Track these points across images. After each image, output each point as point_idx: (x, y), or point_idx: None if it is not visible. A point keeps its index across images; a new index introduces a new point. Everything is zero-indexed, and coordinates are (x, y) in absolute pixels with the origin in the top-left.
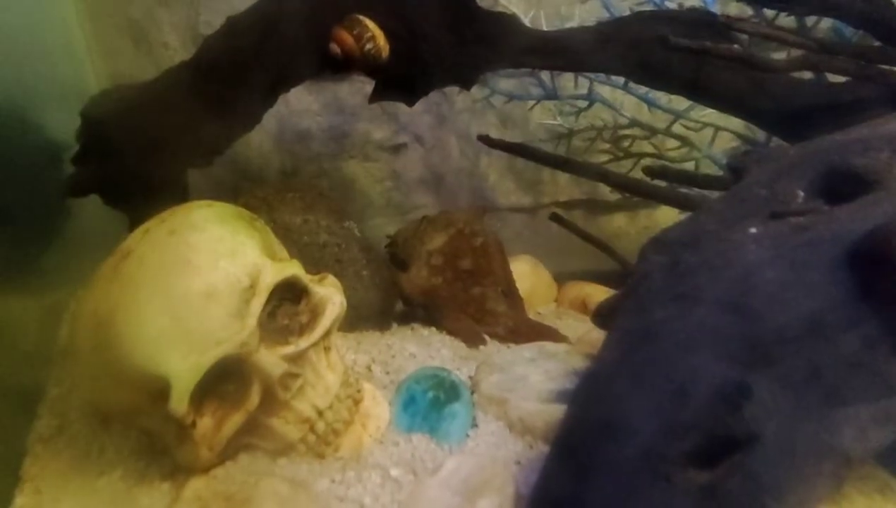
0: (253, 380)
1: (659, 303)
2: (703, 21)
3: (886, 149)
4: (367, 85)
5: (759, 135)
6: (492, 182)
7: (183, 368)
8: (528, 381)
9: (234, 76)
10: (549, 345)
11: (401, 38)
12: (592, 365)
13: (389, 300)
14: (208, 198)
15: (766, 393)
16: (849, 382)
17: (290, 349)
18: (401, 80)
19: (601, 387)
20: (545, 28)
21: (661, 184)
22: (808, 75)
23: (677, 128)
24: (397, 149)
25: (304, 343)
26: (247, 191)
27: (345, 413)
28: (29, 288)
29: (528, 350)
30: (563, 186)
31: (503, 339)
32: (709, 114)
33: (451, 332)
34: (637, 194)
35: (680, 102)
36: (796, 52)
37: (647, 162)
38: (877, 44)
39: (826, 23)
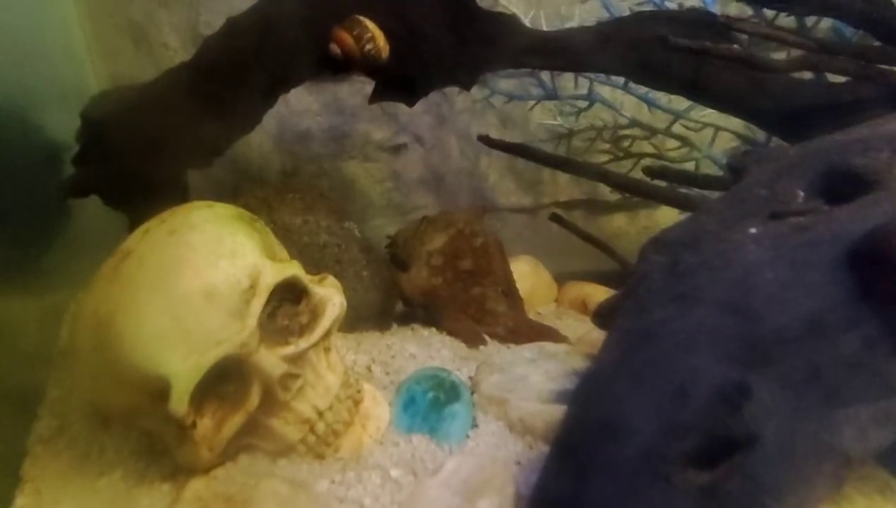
0: (253, 381)
1: (659, 304)
2: (702, 21)
3: (886, 149)
4: (367, 85)
5: (759, 135)
6: (492, 182)
7: (183, 369)
8: (529, 381)
9: (234, 77)
10: (550, 346)
11: (401, 38)
12: (592, 365)
13: (389, 300)
14: (208, 199)
15: (765, 394)
16: (849, 382)
17: (289, 349)
18: (401, 80)
19: (601, 388)
20: (545, 28)
21: (661, 184)
22: (808, 75)
23: (677, 129)
24: (397, 149)
25: (304, 343)
26: (247, 192)
27: (345, 413)
28: (29, 289)
29: (528, 350)
30: (563, 186)
31: (503, 339)
32: (709, 114)
33: (451, 333)
34: (637, 194)
35: (680, 102)
36: (796, 52)
37: (647, 162)
38: (877, 44)
39: (826, 23)
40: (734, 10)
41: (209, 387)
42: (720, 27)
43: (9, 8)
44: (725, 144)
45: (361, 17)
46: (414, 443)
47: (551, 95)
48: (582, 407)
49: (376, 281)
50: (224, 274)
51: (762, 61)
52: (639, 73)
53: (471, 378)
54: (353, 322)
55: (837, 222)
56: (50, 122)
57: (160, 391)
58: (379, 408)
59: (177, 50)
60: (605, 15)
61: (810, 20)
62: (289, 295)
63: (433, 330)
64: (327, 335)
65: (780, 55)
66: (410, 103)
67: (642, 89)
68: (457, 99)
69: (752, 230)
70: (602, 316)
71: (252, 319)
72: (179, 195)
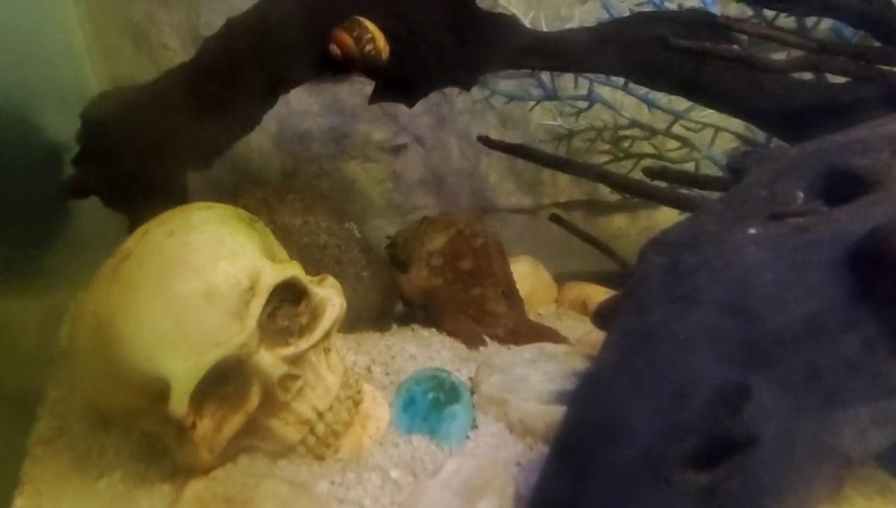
0: (253, 382)
1: (658, 304)
2: (702, 21)
3: (886, 149)
4: (367, 86)
5: (759, 135)
6: (492, 183)
7: (183, 369)
8: (529, 382)
9: (234, 77)
10: (550, 346)
11: (401, 39)
12: (592, 366)
13: (389, 301)
14: (208, 200)
15: (765, 395)
16: (848, 383)
17: (289, 350)
18: (401, 81)
19: (601, 388)
20: (545, 29)
21: (662, 184)
22: (808, 76)
23: (677, 129)
24: (397, 150)
25: (303, 344)
26: (247, 192)
27: (345, 414)
28: (29, 290)
29: (528, 351)
30: (564, 187)
31: (503, 340)
32: (709, 114)
33: (451, 333)
34: (637, 195)
35: (680, 103)
36: (796, 53)
37: (647, 162)
38: (877, 44)
39: (826, 23)
40: (734, 10)
41: (209, 388)
42: (720, 27)
43: (9, 8)
44: (725, 145)
45: (361, 18)
46: (414, 444)
47: (551, 96)
48: (582, 407)
49: (376, 282)
50: (224, 275)
51: (762, 62)
52: (639, 74)
53: (471, 378)
54: (353, 322)
55: (837, 223)
56: (50, 123)
57: (160, 392)
58: (379, 409)
59: (177, 51)
60: (604, 15)
61: (810, 20)
62: (289, 295)
63: (433, 330)
64: (327, 336)
65: (780, 55)
66: (410, 104)
67: (642, 90)
68: (457, 99)
69: (752, 231)
70: (602, 317)
71: (252, 320)
72: (179, 196)
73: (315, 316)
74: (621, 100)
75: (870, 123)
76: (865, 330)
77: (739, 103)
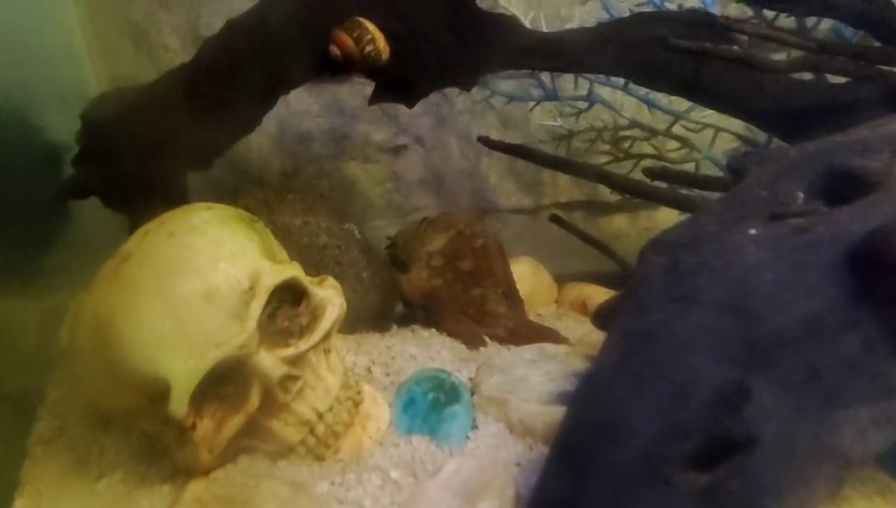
0: (253, 382)
1: (658, 305)
2: (702, 22)
3: (886, 150)
4: (367, 86)
5: (760, 136)
6: (492, 183)
7: (183, 370)
8: (529, 383)
9: (233, 78)
10: (550, 347)
11: (401, 39)
12: (592, 366)
13: (389, 302)
14: (208, 200)
15: (765, 395)
16: (848, 384)
17: (289, 351)
18: (401, 81)
19: (601, 389)
20: (545, 29)
21: (662, 185)
22: (808, 76)
23: (677, 130)
24: (397, 150)
25: (303, 345)
26: (247, 193)
27: (345, 415)
28: (29, 290)
29: (528, 351)
30: (564, 188)
31: (503, 341)
32: (709, 115)
33: (451, 334)
34: (637, 195)
35: (680, 103)
36: (796, 53)
37: (647, 163)
38: (877, 44)
39: (826, 23)
40: (734, 10)
41: (209, 389)
42: (720, 28)
43: (9, 8)
44: (726, 145)
45: (361, 19)
46: (414, 445)
47: (551, 96)
48: (582, 408)
49: (376, 283)
50: (224, 276)
51: (762, 62)
52: (639, 74)
53: (471, 379)
54: (353, 323)
55: (837, 223)
56: (50, 123)
57: (160, 392)
58: (379, 409)
59: (177, 51)
60: (605, 16)
61: (810, 21)
62: (288, 296)
63: (433, 331)
64: (327, 336)
65: (780, 56)
66: (410, 104)
67: (642, 90)
68: (457, 100)
69: (752, 231)
70: (602, 318)
71: (252, 321)
72: (179, 196)
73: (315, 316)
74: (621, 101)
75: (870, 124)
76: (865, 330)
77: (739, 103)
